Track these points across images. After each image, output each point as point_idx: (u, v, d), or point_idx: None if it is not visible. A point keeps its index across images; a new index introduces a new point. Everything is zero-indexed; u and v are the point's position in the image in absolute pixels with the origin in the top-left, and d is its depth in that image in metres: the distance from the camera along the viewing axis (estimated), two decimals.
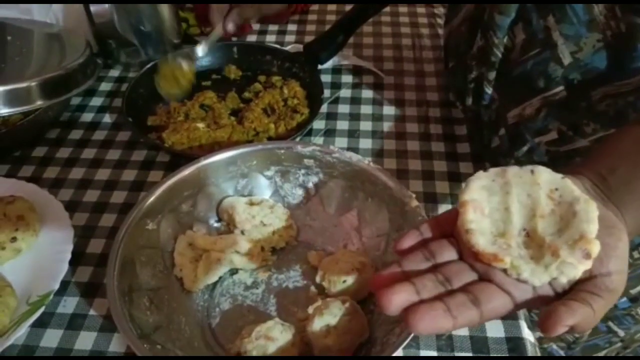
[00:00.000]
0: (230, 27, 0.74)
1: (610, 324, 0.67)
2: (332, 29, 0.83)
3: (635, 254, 0.60)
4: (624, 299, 0.65)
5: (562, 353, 0.73)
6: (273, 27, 0.99)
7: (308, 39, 0.88)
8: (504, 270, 0.34)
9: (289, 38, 0.96)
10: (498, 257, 0.33)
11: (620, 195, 0.37)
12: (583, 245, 0.33)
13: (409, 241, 0.38)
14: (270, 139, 0.74)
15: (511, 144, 0.65)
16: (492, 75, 0.62)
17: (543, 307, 0.33)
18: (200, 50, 0.78)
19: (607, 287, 0.33)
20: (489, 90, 0.64)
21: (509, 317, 0.54)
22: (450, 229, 0.37)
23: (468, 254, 0.35)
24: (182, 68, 0.76)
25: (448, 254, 0.36)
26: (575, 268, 0.32)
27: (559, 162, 0.60)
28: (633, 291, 0.64)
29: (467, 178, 0.38)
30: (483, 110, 0.68)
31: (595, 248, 0.33)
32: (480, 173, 0.38)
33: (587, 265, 0.33)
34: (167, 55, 0.77)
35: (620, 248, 0.34)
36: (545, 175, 0.36)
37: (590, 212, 0.34)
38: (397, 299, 0.32)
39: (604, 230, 0.34)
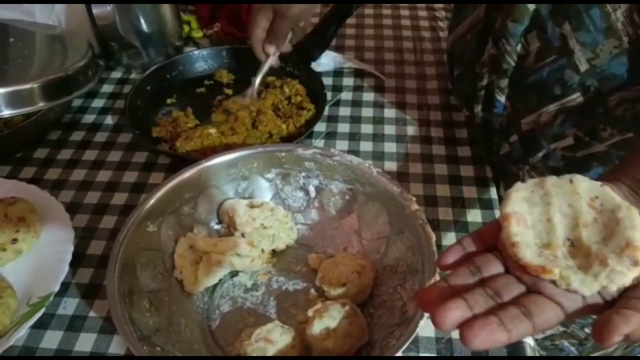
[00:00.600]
0: (271, 50, 0.76)
1: None
2: (320, 24, 0.84)
3: None
4: None
5: (573, 350, 0.73)
6: None
7: None
8: (553, 282, 0.33)
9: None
10: (546, 269, 0.33)
11: None
12: (630, 253, 0.33)
13: (452, 256, 0.37)
14: (282, 139, 0.74)
15: (524, 150, 0.65)
16: (505, 82, 0.63)
17: (595, 317, 0.33)
18: (256, 87, 0.79)
19: None
20: (500, 97, 0.64)
21: None
22: (492, 242, 0.37)
23: (515, 267, 0.35)
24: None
25: (494, 267, 0.36)
26: (625, 276, 0.32)
27: (575, 168, 0.60)
28: None
29: (506, 191, 0.38)
30: (494, 117, 0.68)
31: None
32: (519, 185, 0.38)
33: (635, 272, 0.33)
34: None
35: None
36: (584, 184, 0.36)
37: (634, 219, 0.34)
38: (452, 315, 0.32)
39: None
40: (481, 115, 0.70)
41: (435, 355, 0.52)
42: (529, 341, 0.54)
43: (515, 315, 0.32)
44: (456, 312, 0.32)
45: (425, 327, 0.53)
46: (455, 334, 0.53)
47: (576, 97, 0.57)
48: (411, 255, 0.53)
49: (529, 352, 0.53)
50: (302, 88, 0.81)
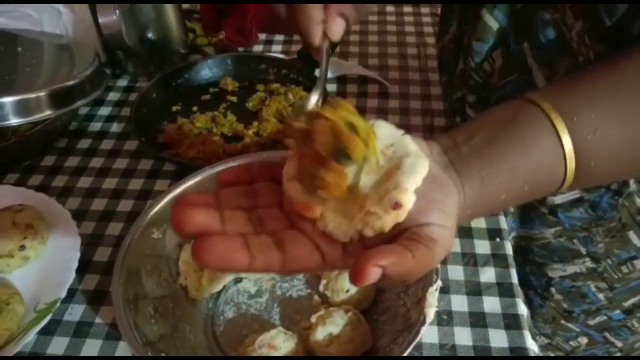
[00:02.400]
0: (339, 27, 0.52)
1: (607, 334, 0.67)
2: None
3: (624, 269, 0.60)
4: (618, 311, 0.64)
5: None
6: (279, 37, 1.00)
7: None
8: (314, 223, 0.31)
9: (295, 47, 0.97)
10: (309, 205, 0.31)
11: (466, 162, 0.34)
12: (394, 195, 0.30)
13: (236, 173, 0.35)
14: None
15: None
16: (472, 98, 0.62)
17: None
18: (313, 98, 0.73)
19: (427, 235, 0.30)
20: (471, 113, 0.64)
21: (513, 327, 0.54)
22: (280, 175, 0.34)
23: (286, 202, 0.33)
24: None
25: (272, 198, 0.33)
26: (380, 218, 0.30)
27: None
28: (626, 304, 0.63)
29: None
30: None
31: (407, 198, 0.30)
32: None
33: (396, 216, 0.30)
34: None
35: (447, 204, 0.32)
36: (383, 130, 0.34)
37: (416, 166, 0.31)
38: (196, 219, 0.29)
39: (432, 186, 0.31)
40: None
41: None
42: (534, 348, 0.54)
43: (264, 243, 0.30)
44: (202, 216, 0.29)
45: (428, 334, 0.53)
46: (459, 340, 0.53)
47: None
48: None
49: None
50: (306, 95, 0.81)
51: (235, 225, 0.31)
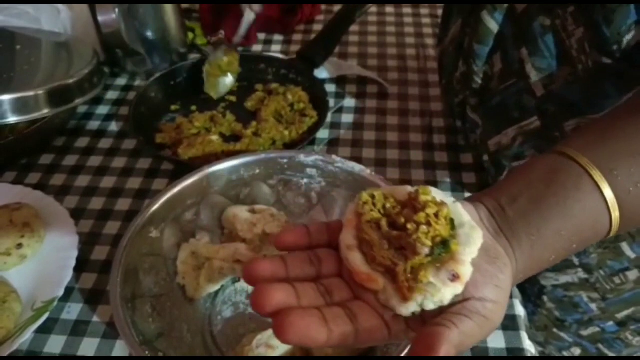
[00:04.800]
0: None
1: (600, 346, 0.67)
2: (323, 32, 0.85)
3: (617, 280, 0.60)
4: (611, 322, 0.64)
5: None
6: (278, 37, 1.00)
7: None
8: (377, 294, 0.31)
9: (294, 48, 0.97)
10: (372, 278, 0.31)
11: (514, 228, 0.34)
12: (451, 267, 0.30)
13: (295, 237, 0.34)
14: (285, 146, 0.74)
15: (495, 169, 0.65)
16: (474, 101, 0.62)
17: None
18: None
19: (479, 311, 0.30)
20: (473, 115, 0.64)
21: (510, 328, 0.54)
22: (336, 240, 0.34)
23: (346, 271, 0.33)
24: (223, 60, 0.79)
25: (332, 265, 0.34)
26: (440, 291, 0.30)
27: None
28: (619, 315, 0.63)
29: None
30: (469, 133, 0.68)
31: (465, 270, 0.30)
32: (370, 192, 0.35)
33: (454, 288, 0.30)
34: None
35: (500, 279, 0.32)
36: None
37: (472, 237, 0.32)
38: (276, 297, 0.29)
39: (486, 259, 0.32)
40: (460, 128, 0.70)
41: None
42: (531, 349, 0.54)
43: (339, 315, 0.30)
44: (281, 294, 0.30)
45: None
46: None
47: (534, 121, 0.56)
48: None
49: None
50: (304, 95, 0.81)
51: (309, 298, 0.31)
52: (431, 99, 0.84)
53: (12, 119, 0.68)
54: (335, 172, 0.60)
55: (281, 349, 0.49)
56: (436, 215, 0.32)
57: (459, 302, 0.31)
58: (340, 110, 0.83)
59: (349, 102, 0.84)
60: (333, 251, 0.34)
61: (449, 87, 0.69)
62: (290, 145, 0.74)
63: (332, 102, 0.82)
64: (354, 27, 0.99)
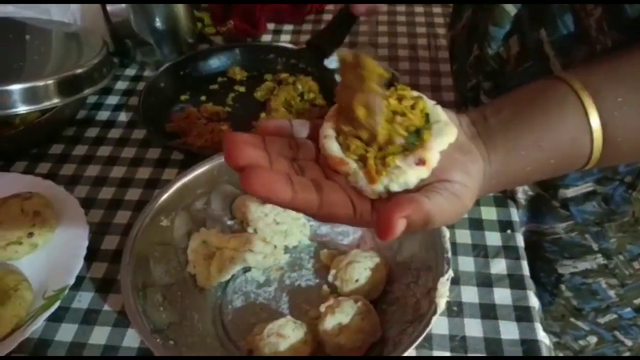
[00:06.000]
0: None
1: (617, 333, 0.66)
2: (333, 21, 0.84)
3: (636, 264, 0.59)
4: (629, 309, 0.63)
5: None
6: (288, 27, 0.99)
7: None
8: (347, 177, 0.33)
9: (304, 38, 0.96)
10: (343, 161, 0.33)
11: (493, 133, 0.35)
12: (419, 153, 0.32)
13: (277, 125, 0.36)
14: None
15: None
16: (488, 85, 0.62)
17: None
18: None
19: (446, 188, 0.32)
20: (485, 100, 0.63)
21: (524, 319, 0.53)
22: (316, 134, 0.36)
23: (322, 158, 0.34)
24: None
25: (310, 153, 0.35)
26: (405, 173, 0.32)
27: None
28: (637, 301, 0.62)
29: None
30: None
31: (431, 156, 0.32)
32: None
33: (420, 172, 0.32)
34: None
35: (469, 167, 0.33)
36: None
37: (444, 131, 0.33)
38: (249, 154, 0.31)
39: (457, 150, 0.33)
40: None
41: (448, 352, 0.52)
42: (545, 340, 0.53)
43: (306, 183, 0.31)
44: (253, 153, 0.31)
45: (438, 325, 0.53)
46: (469, 332, 0.53)
47: None
48: (425, 252, 0.53)
49: (545, 353, 0.52)
50: (314, 85, 0.81)
51: (281, 166, 0.32)
52: (442, 89, 0.84)
53: (22, 108, 0.68)
54: None
55: (292, 338, 0.48)
56: (412, 107, 0.34)
57: (425, 184, 0.32)
58: None
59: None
60: (312, 142, 0.36)
61: (461, 72, 0.68)
62: None
63: None
64: (364, 17, 0.98)
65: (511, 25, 0.55)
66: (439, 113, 0.35)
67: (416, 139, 0.33)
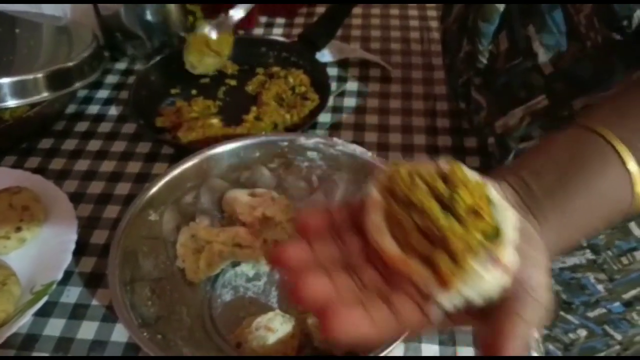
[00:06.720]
0: None
1: (606, 327, 0.66)
2: (325, 14, 0.83)
3: (624, 260, 0.59)
4: (617, 303, 0.63)
5: (559, 353, 0.72)
6: (280, 20, 0.99)
7: None
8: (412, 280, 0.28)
9: (296, 31, 0.96)
10: (409, 264, 0.28)
11: (541, 206, 0.33)
12: (494, 253, 0.27)
13: (317, 219, 0.31)
14: (287, 129, 0.73)
15: (500, 152, 0.64)
16: (479, 81, 0.61)
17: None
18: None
19: (531, 296, 0.29)
20: (477, 96, 0.63)
21: None
22: (360, 219, 0.31)
23: (373, 254, 0.30)
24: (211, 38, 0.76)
25: (357, 247, 0.31)
26: (483, 278, 0.27)
27: None
28: (626, 296, 0.62)
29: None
30: (473, 115, 0.67)
31: (509, 256, 0.28)
32: (395, 167, 0.32)
33: (503, 279, 0.28)
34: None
35: (538, 259, 0.31)
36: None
37: (507, 219, 0.29)
38: (316, 291, 0.27)
39: (522, 239, 0.30)
40: (464, 110, 0.69)
41: (437, 345, 0.52)
42: (534, 333, 0.53)
43: (376, 302, 0.28)
44: (321, 289, 0.27)
45: None
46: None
47: (541, 100, 0.55)
48: None
49: (533, 346, 0.52)
50: (306, 78, 0.80)
51: (344, 286, 0.29)
52: (435, 82, 0.83)
53: (11, 102, 0.67)
54: (337, 155, 0.59)
55: (281, 331, 0.48)
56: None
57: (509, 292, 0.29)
58: (342, 94, 0.81)
59: (352, 85, 0.83)
60: (355, 232, 0.32)
61: (452, 67, 0.68)
62: (291, 129, 0.73)
63: (334, 85, 0.81)
64: (356, 10, 0.98)
65: (500, 20, 0.55)
66: (492, 193, 0.30)
67: (493, 239, 0.28)
